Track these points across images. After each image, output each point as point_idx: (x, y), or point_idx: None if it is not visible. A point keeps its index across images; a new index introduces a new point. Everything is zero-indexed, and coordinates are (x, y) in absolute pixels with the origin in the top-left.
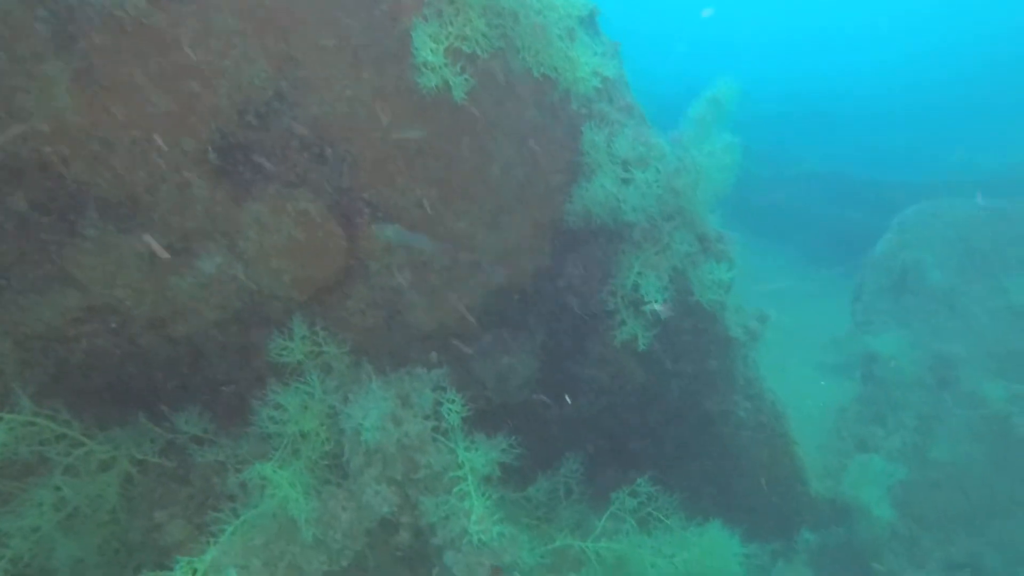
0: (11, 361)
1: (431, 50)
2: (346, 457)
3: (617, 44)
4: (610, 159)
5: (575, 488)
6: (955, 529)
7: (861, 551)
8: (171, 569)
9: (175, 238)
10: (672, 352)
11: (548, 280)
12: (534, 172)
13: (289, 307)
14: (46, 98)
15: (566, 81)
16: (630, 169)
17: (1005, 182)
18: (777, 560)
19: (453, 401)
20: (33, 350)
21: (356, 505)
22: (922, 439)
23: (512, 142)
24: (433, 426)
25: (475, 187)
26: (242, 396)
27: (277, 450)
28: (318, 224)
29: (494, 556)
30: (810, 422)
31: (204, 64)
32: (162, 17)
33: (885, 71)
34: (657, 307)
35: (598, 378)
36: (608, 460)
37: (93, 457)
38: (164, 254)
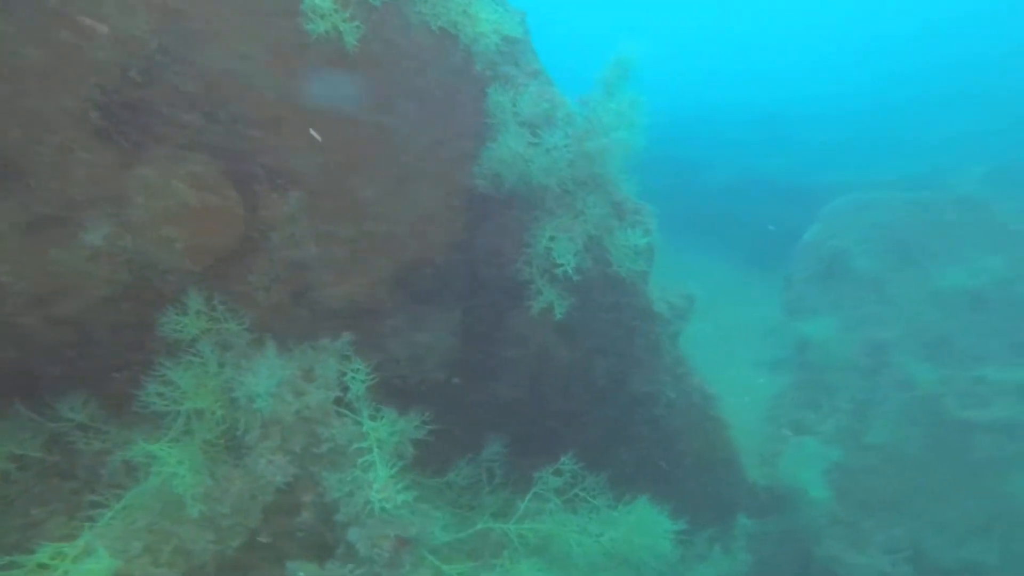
0: None
1: None
2: (241, 430)
3: (523, 13)
4: (515, 119)
5: (498, 472)
6: (895, 513)
7: (801, 537)
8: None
9: (56, 207)
10: (595, 329)
11: (462, 252)
12: (442, 136)
13: (185, 281)
14: None
15: (466, 37)
16: (537, 132)
17: (929, 184)
18: (714, 545)
19: (358, 371)
20: None
21: (247, 476)
22: (858, 423)
23: (416, 103)
24: (337, 397)
25: (380, 151)
26: (136, 382)
27: (169, 430)
28: (212, 189)
29: (400, 527)
30: (747, 414)
31: (79, 14)
32: None
33: (825, 76)
34: None
35: (521, 358)
36: (534, 445)
37: None
38: None
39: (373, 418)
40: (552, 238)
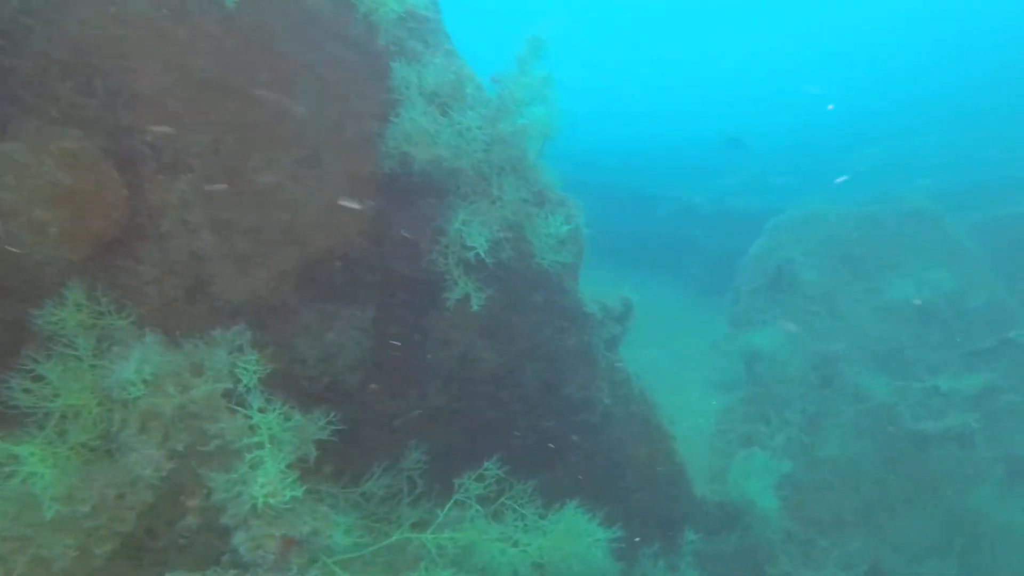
0: None
1: None
2: (116, 427)
3: None
4: (421, 93)
5: (420, 482)
6: (851, 529)
7: (754, 555)
8: None
9: None
10: (522, 330)
11: (374, 243)
12: (344, 115)
13: (64, 272)
14: None
15: (364, 6)
16: (447, 109)
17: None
18: (658, 562)
19: (251, 362)
20: None
21: (111, 472)
22: (810, 438)
23: (315, 79)
24: (227, 391)
25: (279, 131)
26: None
27: (41, 430)
28: (88, 167)
29: (287, 525)
30: (699, 434)
31: None
32: None
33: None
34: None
35: (443, 362)
36: (461, 455)
37: None
38: None
39: (264, 411)
40: (465, 222)
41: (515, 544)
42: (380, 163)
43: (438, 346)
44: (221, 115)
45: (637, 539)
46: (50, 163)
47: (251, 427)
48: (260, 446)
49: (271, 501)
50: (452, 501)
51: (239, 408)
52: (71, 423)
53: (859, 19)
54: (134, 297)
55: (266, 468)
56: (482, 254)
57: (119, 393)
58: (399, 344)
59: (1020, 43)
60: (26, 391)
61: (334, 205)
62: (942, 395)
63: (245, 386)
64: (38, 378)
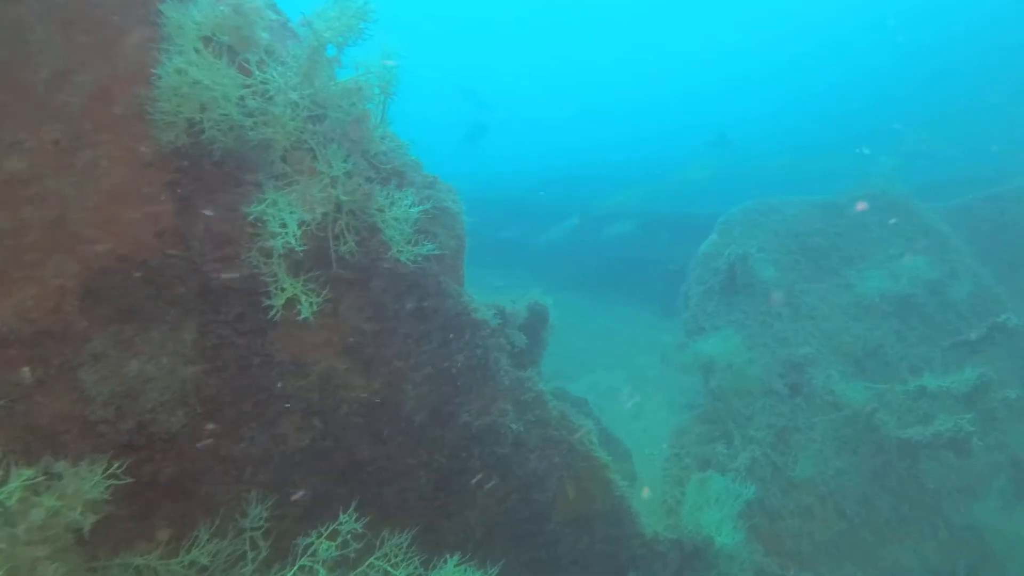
0: None
1: None
2: None
3: None
4: (198, 32)
5: (263, 545)
6: (837, 561)
7: None
8: None
9: None
10: (395, 346)
11: (180, 245)
12: (110, 78)
13: None
14: None
15: None
16: (236, 57)
17: None
18: None
19: None
20: None
21: None
22: (780, 456)
23: (61, 30)
24: None
25: (20, 103)
26: None
27: None
28: None
29: None
30: (655, 462)
31: None
32: None
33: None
34: None
35: (300, 391)
36: (330, 508)
37: None
38: None
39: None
40: (271, 204)
41: None
42: (161, 136)
43: (289, 372)
44: None
45: None
46: None
47: None
48: None
49: None
50: (296, 567)
51: None
52: None
53: None
54: None
55: None
56: (293, 243)
57: None
58: (237, 371)
59: None
60: None
61: (115, 197)
62: (929, 396)
63: None
64: None
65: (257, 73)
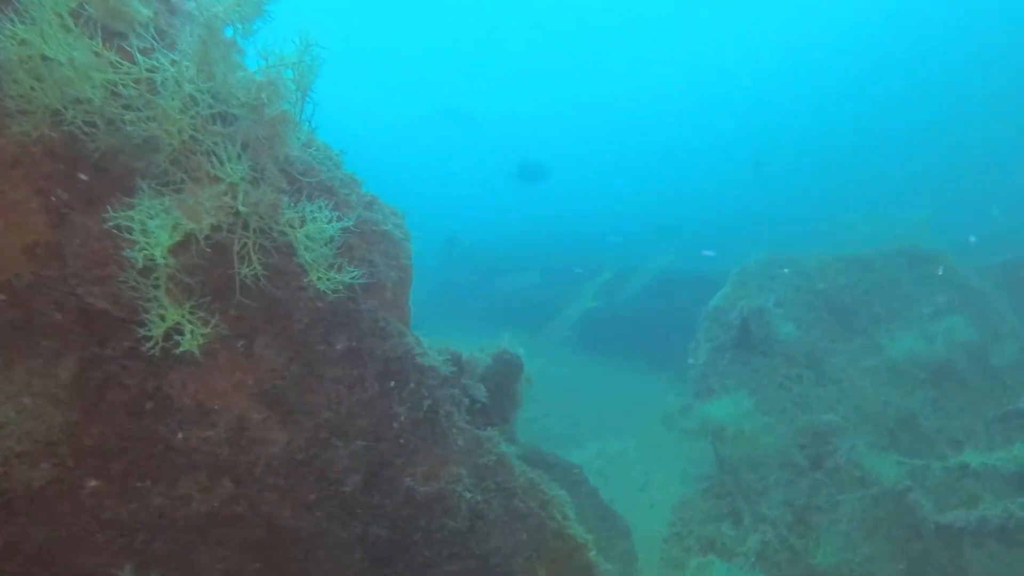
0: None
1: None
2: None
3: None
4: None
5: None
6: None
7: None
8: None
9: None
10: (323, 393)
11: (51, 266)
12: None
13: None
14: None
15: None
16: (115, 37)
17: None
18: None
19: None
20: None
21: None
22: (799, 540)
23: None
24: None
25: None
26: None
27: None
28: None
29: None
30: (655, 542)
31: None
32: None
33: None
34: None
35: (204, 445)
36: None
37: None
38: None
39: None
40: (142, 209)
41: None
42: (13, 126)
43: (192, 420)
44: None
45: None
46: None
47: None
48: None
49: None
50: None
51: None
52: None
53: None
54: None
55: None
56: (158, 257)
57: None
58: (126, 417)
59: None
60: None
61: None
62: (973, 475)
63: None
64: None
65: (142, 59)
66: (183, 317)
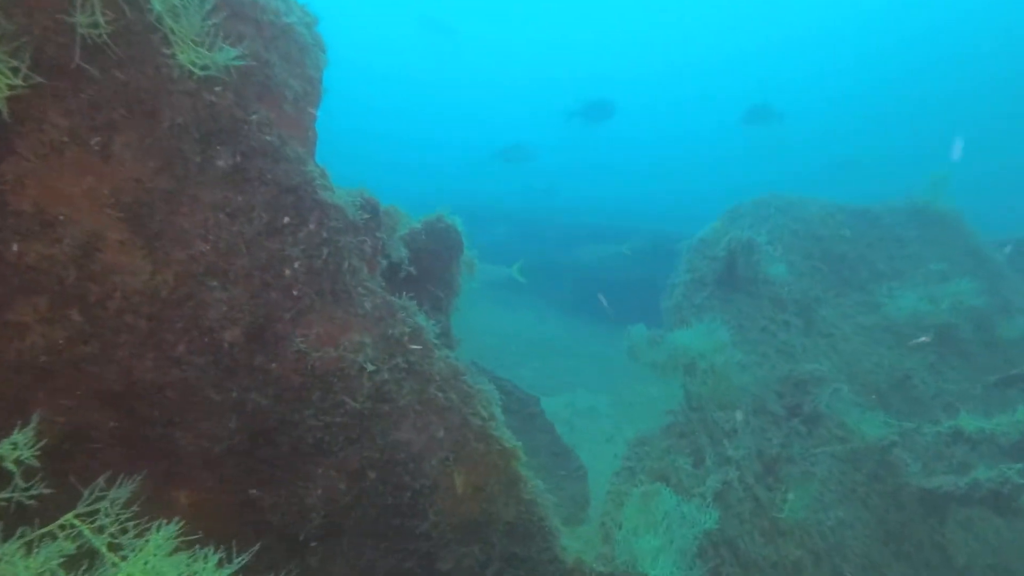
0: None
1: None
2: None
3: None
4: None
5: None
6: None
7: None
8: None
9: None
10: (198, 216)
11: None
12: None
13: None
14: None
15: None
16: None
17: None
18: None
19: None
20: None
21: None
22: (766, 492)
23: None
24: None
25: None
26: None
27: None
28: None
29: None
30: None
31: None
32: None
33: None
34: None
35: (46, 263)
36: (87, 447)
37: None
38: None
39: None
40: None
41: None
42: None
43: (30, 231)
44: None
45: None
46: None
47: None
48: None
49: None
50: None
51: None
52: None
53: None
54: None
55: None
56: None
57: None
58: None
59: None
60: None
61: None
62: (966, 440)
63: None
64: None
65: None
66: None
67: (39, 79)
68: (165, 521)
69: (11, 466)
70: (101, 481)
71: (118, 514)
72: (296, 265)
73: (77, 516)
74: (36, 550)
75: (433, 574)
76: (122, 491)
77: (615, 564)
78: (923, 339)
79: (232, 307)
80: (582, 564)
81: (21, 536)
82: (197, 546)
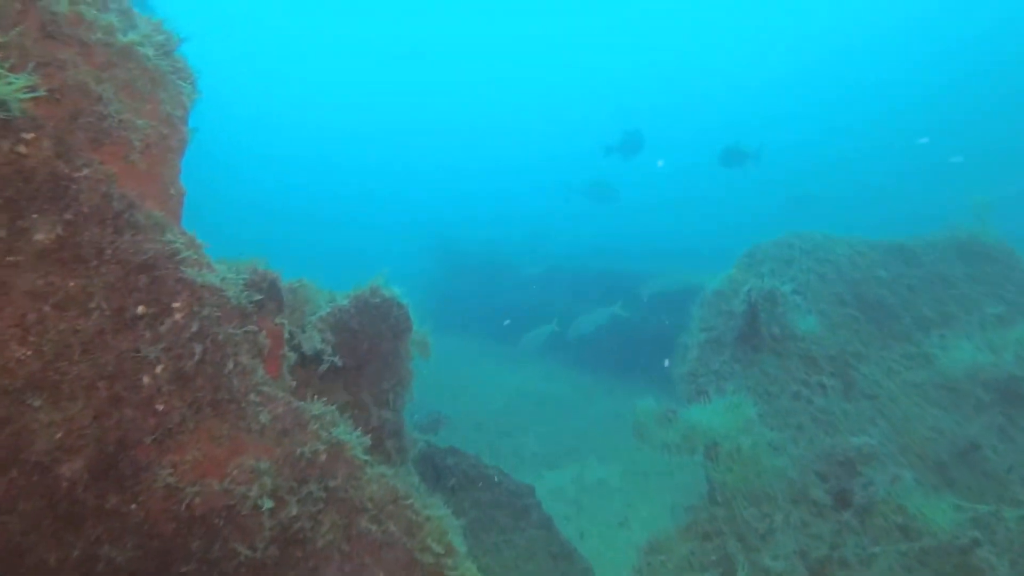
0: None
1: None
2: None
3: None
4: None
5: None
6: None
7: None
8: None
9: None
10: (9, 306)
11: None
12: None
13: None
14: None
15: None
16: None
17: None
18: None
19: None
20: None
21: None
22: None
23: None
24: None
25: None
26: None
27: None
28: None
29: None
30: None
31: None
32: None
33: None
34: None
35: None
36: None
37: None
38: None
39: None
40: None
41: None
42: None
43: None
44: None
45: None
46: None
47: None
48: None
49: None
50: None
51: None
52: None
53: None
54: None
55: None
56: None
57: None
58: None
59: None
60: None
61: None
62: None
63: None
64: None
65: None
66: None
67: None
68: None
69: None
70: None
71: None
72: (158, 370)
73: None
74: None
75: None
76: None
77: None
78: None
79: (69, 432)
80: None
81: None
82: None
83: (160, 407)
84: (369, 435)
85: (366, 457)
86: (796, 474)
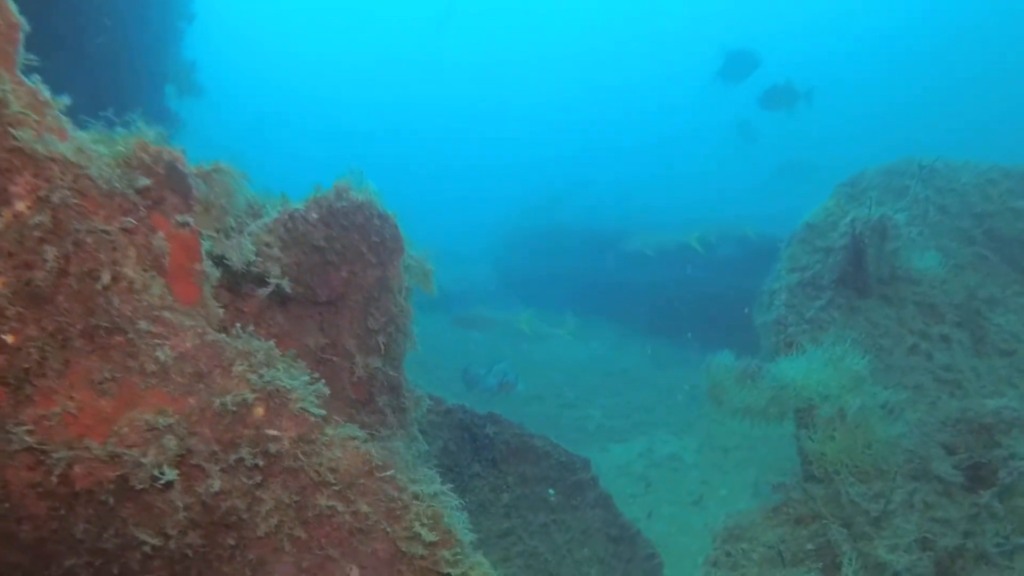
0: None
1: None
2: None
3: None
4: None
5: None
6: None
7: None
8: None
9: None
10: None
11: None
12: None
13: None
14: None
15: None
16: None
17: None
18: None
19: None
20: None
21: None
22: None
23: None
24: None
25: None
26: None
27: None
28: None
29: None
30: None
31: None
32: None
33: None
34: None
35: None
36: None
37: None
38: None
39: None
40: None
41: None
42: None
43: None
44: None
45: None
46: None
47: None
48: None
49: None
50: None
51: None
52: None
53: None
54: None
55: None
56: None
57: None
58: None
59: None
60: None
61: None
62: None
63: None
64: None
65: None
66: None
67: None
68: None
69: None
70: None
71: None
72: None
73: None
74: None
75: None
76: None
77: None
78: None
79: None
80: None
81: None
82: None
83: (7, 338)
84: (351, 388)
85: (322, 412)
86: (916, 444)
